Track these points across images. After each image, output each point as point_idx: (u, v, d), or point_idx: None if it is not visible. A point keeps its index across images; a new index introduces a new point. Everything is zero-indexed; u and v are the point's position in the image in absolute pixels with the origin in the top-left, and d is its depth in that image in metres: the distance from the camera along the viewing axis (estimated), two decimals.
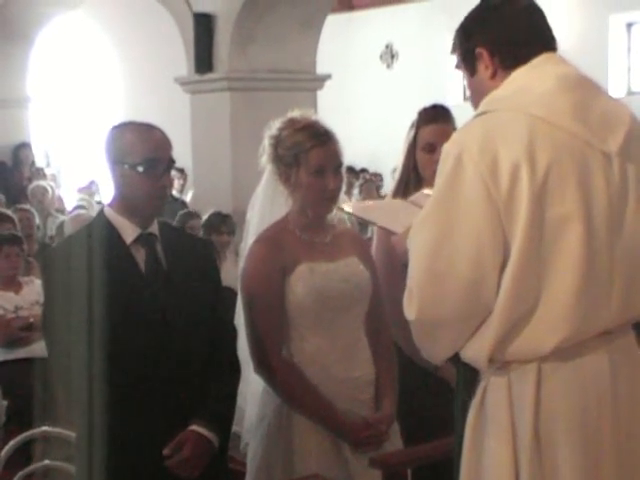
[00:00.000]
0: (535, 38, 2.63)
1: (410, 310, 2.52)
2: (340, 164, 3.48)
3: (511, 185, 2.41)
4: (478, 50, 2.64)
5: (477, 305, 2.47)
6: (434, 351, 2.62)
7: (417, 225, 2.56)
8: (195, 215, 8.12)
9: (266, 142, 3.52)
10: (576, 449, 2.49)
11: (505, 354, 2.50)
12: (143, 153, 3.17)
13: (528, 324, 2.46)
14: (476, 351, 2.51)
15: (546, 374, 2.49)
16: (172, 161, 3.25)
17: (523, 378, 2.50)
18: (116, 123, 3.31)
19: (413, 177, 3.92)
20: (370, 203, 3.46)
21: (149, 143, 3.20)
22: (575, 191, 2.45)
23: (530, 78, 2.57)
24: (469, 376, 2.60)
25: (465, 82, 2.76)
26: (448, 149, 2.52)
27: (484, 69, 2.65)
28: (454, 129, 3.94)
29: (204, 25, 9.51)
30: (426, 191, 3.02)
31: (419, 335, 2.59)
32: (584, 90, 2.58)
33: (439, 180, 2.52)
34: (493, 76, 2.64)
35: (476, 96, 2.68)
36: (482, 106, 2.60)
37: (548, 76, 2.56)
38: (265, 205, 3.59)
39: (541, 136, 2.46)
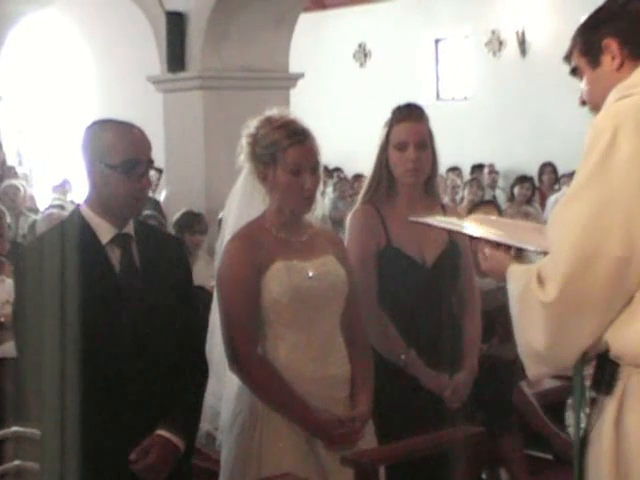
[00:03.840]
0: None
1: (549, 289, 2.42)
2: (317, 163, 3.47)
3: None
4: (606, 41, 2.63)
5: (622, 287, 2.40)
6: (570, 343, 2.47)
7: (565, 201, 2.50)
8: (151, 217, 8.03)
9: (243, 140, 3.51)
10: None
11: None
12: (124, 154, 3.13)
13: None
14: (634, 342, 2.41)
15: None
16: (151, 161, 3.23)
17: None
18: (95, 120, 3.26)
19: (385, 175, 3.93)
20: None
21: (129, 143, 3.16)
22: None
23: None
24: (606, 370, 2.48)
25: (584, 80, 2.71)
26: (602, 124, 2.47)
27: (610, 61, 2.64)
28: (427, 128, 3.96)
29: (176, 23, 9.49)
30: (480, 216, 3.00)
31: (555, 321, 2.45)
32: None
33: (592, 155, 2.45)
34: (619, 67, 2.62)
35: (597, 90, 2.66)
36: (620, 92, 2.55)
37: None
38: (242, 203, 3.58)
39: None
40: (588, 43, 2.69)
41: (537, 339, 2.51)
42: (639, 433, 2.43)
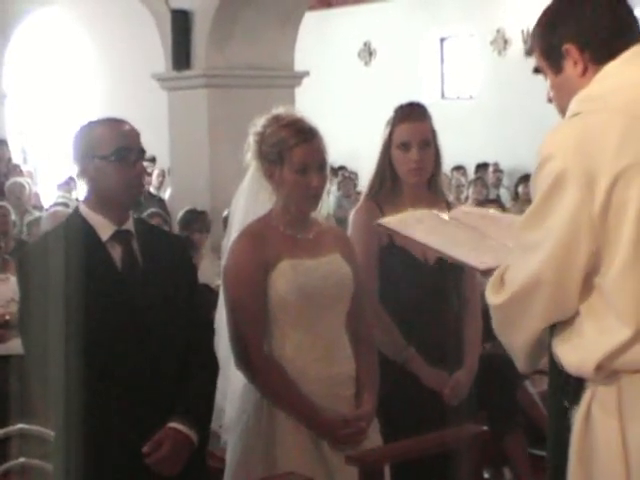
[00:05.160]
0: (626, 28, 2.51)
1: (503, 293, 2.51)
2: (324, 162, 3.47)
3: (608, 195, 2.34)
4: (566, 47, 2.51)
5: (560, 307, 2.45)
6: (514, 341, 2.58)
7: (518, 224, 2.53)
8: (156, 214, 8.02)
9: (251, 139, 3.51)
10: None
11: (617, 363, 2.39)
12: (114, 143, 3.19)
13: None
14: (581, 359, 2.42)
15: None
16: (142, 151, 3.27)
17: (635, 389, 2.40)
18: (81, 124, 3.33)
19: (389, 173, 3.94)
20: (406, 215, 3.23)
21: (118, 133, 3.23)
22: None
23: (624, 74, 2.46)
24: (572, 381, 2.49)
25: (548, 82, 2.62)
26: (550, 149, 2.43)
27: (572, 66, 2.52)
28: (430, 126, 3.96)
29: (181, 22, 9.51)
30: (465, 208, 2.99)
31: (501, 321, 2.57)
32: None
33: (540, 186, 2.44)
34: (583, 73, 2.50)
35: (562, 96, 2.56)
36: (575, 106, 2.48)
37: None
38: (249, 201, 3.58)
39: None
40: (547, 46, 2.56)
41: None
42: (605, 441, 2.43)
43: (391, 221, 3.05)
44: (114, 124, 3.28)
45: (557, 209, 2.40)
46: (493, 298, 2.55)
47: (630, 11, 2.55)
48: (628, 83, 2.44)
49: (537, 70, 2.66)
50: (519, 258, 2.50)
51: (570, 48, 2.51)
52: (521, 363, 2.67)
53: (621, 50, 2.48)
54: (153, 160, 11.81)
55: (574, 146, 2.39)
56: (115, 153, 3.18)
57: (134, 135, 3.26)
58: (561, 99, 2.58)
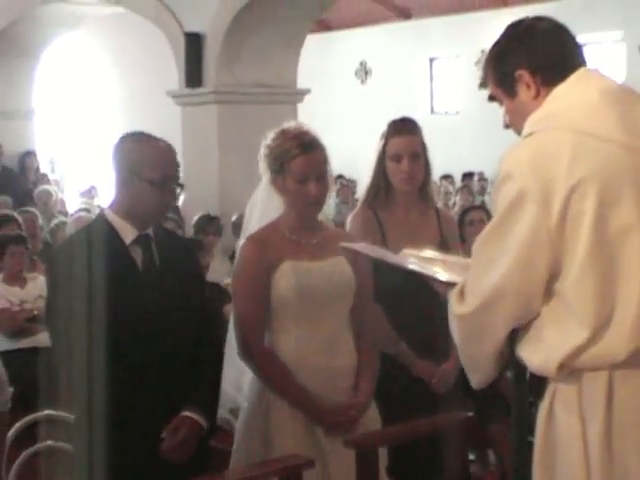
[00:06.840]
0: (571, 53, 2.52)
1: (467, 304, 2.46)
2: (324, 172, 3.45)
3: (564, 208, 2.32)
4: (518, 72, 2.51)
5: (524, 312, 2.41)
6: (479, 350, 2.53)
7: (479, 240, 2.49)
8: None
9: (261, 151, 3.51)
10: None
11: (577, 362, 2.36)
12: (162, 170, 3.17)
13: (606, 332, 2.34)
14: (544, 360, 2.40)
15: (617, 382, 2.35)
16: (179, 177, 3.30)
17: (594, 386, 2.36)
18: (133, 133, 3.27)
19: (383, 182, 3.95)
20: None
21: (167, 161, 3.22)
22: (632, 203, 2.34)
23: (573, 94, 2.45)
24: (535, 378, 2.47)
25: (504, 107, 2.61)
26: (508, 168, 2.42)
27: (525, 90, 2.51)
28: (420, 139, 3.97)
29: (194, 43, 9.52)
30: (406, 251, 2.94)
31: (465, 331, 2.52)
32: (627, 101, 2.46)
33: (500, 204, 2.43)
34: (536, 96, 2.50)
35: (518, 119, 2.54)
36: (529, 126, 2.47)
37: (590, 90, 2.44)
38: (262, 208, 3.59)
39: (591, 154, 2.35)
40: (500, 74, 2.55)
41: (459, 347, 2.60)
42: (567, 438, 2.41)
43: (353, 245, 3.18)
44: (164, 150, 3.23)
45: (517, 225, 2.37)
46: (458, 308, 2.50)
47: (573, 38, 2.56)
48: (577, 102, 2.44)
49: (492, 98, 2.64)
50: (480, 272, 2.46)
51: (522, 73, 2.51)
52: (485, 374, 2.61)
53: (569, 73, 2.49)
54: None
55: (529, 163, 2.38)
56: (161, 181, 3.16)
57: (176, 163, 3.28)
58: (517, 122, 2.56)
